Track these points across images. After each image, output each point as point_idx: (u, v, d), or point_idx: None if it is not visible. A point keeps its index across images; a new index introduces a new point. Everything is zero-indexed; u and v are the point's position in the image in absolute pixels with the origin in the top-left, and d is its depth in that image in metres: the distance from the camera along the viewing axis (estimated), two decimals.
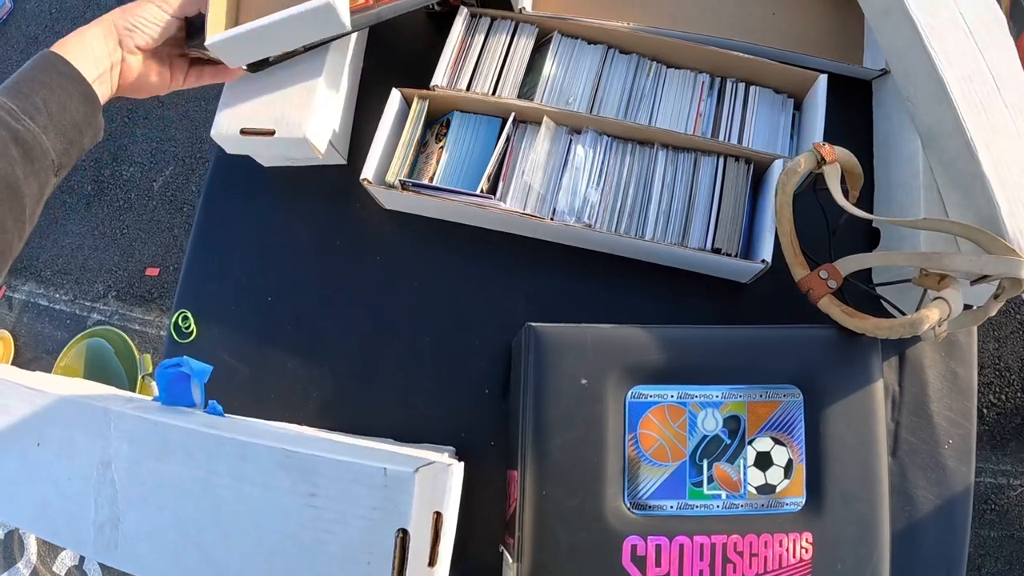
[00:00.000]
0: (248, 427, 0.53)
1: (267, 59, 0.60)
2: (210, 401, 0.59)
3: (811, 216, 0.61)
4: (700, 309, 0.65)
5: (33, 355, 1.37)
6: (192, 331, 0.63)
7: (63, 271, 1.40)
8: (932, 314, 0.55)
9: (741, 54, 0.65)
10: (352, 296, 0.65)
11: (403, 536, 0.43)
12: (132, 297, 1.37)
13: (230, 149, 0.63)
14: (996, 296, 0.60)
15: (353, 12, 0.59)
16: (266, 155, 0.65)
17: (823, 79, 0.65)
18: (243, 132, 0.60)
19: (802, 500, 0.56)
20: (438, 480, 0.50)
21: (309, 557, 0.45)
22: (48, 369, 1.26)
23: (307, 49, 0.61)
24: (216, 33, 0.55)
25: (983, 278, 0.59)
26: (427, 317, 0.65)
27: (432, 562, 0.49)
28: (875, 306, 0.65)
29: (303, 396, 0.63)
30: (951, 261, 0.57)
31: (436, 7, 0.68)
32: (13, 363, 1.34)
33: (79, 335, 1.25)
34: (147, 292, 1.35)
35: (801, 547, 0.55)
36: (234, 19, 0.57)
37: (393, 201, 0.64)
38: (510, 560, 0.56)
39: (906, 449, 0.65)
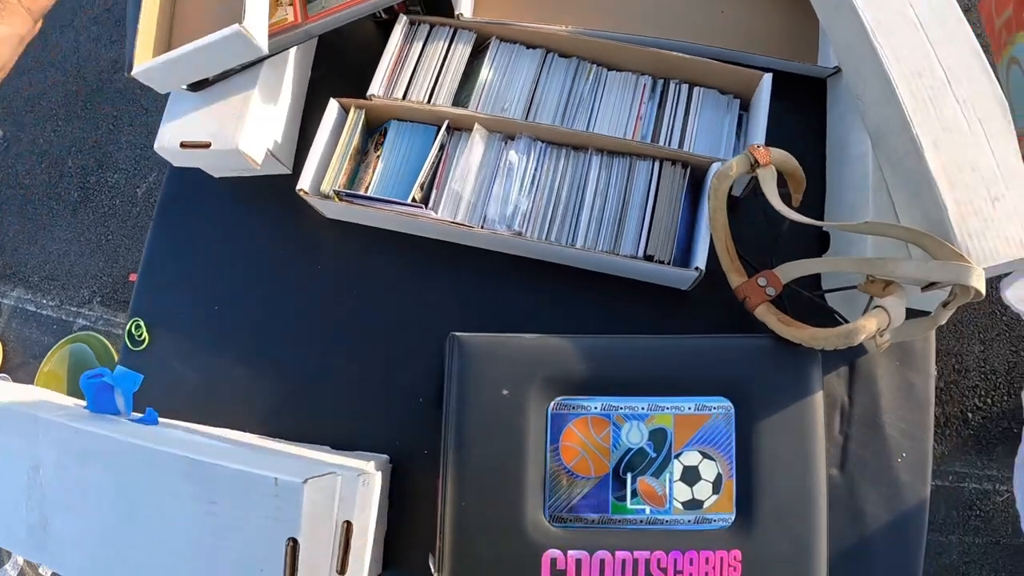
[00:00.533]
0: (164, 435, 0.50)
1: (206, 79, 0.57)
2: (148, 408, 0.56)
3: (760, 221, 0.55)
4: (640, 317, 0.60)
5: (21, 360, 1.38)
6: (144, 339, 0.61)
7: (50, 277, 1.39)
8: (869, 324, 0.48)
9: (683, 55, 0.59)
10: (295, 305, 0.62)
11: (293, 545, 0.40)
12: (116, 303, 1.35)
13: (175, 161, 0.60)
14: (945, 304, 0.53)
15: (279, 32, 0.56)
16: (211, 166, 0.62)
17: (767, 78, 0.59)
18: (182, 145, 0.57)
19: (731, 516, 0.50)
20: (346, 490, 0.46)
21: (210, 563, 0.44)
22: (34, 374, 1.26)
23: (245, 67, 0.58)
24: (142, 61, 0.52)
25: (932, 284, 0.52)
26: (366, 325, 0.61)
27: (342, 570, 0.46)
28: (827, 314, 0.58)
29: (249, 404, 0.60)
30: (896, 267, 0.50)
31: (383, 15, 0.64)
32: (2, 368, 1.34)
33: (62, 340, 1.25)
34: (131, 297, 1.34)
35: (729, 565, 0.49)
36: (165, 45, 0.55)
37: (332, 210, 0.61)
38: (432, 570, 0.52)
39: (855, 463, 0.58)
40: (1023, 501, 0.79)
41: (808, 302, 0.56)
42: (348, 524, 0.47)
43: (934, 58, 0.54)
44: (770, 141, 0.65)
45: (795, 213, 0.53)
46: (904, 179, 0.54)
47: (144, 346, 0.61)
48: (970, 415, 1.05)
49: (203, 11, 0.55)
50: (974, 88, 0.54)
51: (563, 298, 0.60)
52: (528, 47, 0.61)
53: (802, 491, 0.51)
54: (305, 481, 0.41)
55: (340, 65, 0.65)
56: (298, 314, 0.61)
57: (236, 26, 0.50)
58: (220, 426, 0.58)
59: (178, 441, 0.49)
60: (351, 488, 0.47)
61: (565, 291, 0.60)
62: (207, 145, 0.56)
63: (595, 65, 0.61)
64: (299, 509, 0.40)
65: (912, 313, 0.56)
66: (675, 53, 0.59)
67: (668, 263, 0.54)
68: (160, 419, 0.58)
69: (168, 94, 0.59)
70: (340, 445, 0.58)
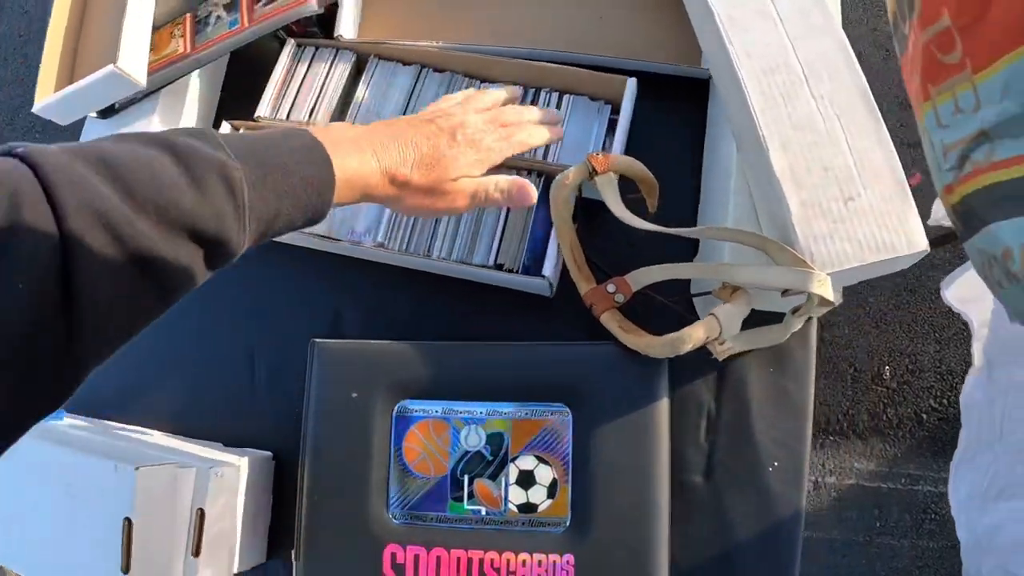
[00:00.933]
0: (50, 430, 0.53)
1: (113, 107, 0.59)
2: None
3: (621, 228, 0.51)
4: (510, 323, 0.57)
5: None
6: None
7: None
8: (696, 332, 0.45)
9: (550, 64, 0.56)
10: (200, 312, 0.63)
11: (128, 524, 0.44)
12: None
13: None
14: (795, 311, 0.48)
15: (170, 63, 0.57)
16: None
17: (631, 82, 0.55)
18: None
19: (566, 521, 0.48)
20: (200, 480, 0.48)
21: (71, 542, 0.47)
22: None
23: (148, 93, 0.59)
24: (43, 98, 0.55)
25: (790, 289, 0.47)
26: (259, 331, 0.61)
27: (196, 553, 0.47)
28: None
29: (157, 402, 0.62)
30: (736, 273, 0.47)
31: (285, 35, 0.64)
32: None
33: None
34: None
35: (562, 569, 0.47)
36: (67, 80, 0.57)
37: None
38: (293, 559, 0.52)
39: (722, 471, 0.54)
40: (957, 506, 0.72)
41: (685, 309, 0.53)
42: (201, 511, 0.48)
43: (791, 53, 0.50)
44: (651, 145, 0.61)
45: (639, 220, 0.49)
46: (757, 181, 0.50)
47: None
48: (924, 416, 0.95)
49: (101, 49, 0.57)
50: (835, 83, 0.49)
51: (441, 305, 0.59)
52: (404, 64, 0.60)
53: (640, 499, 0.48)
54: (137, 468, 0.44)
55: (249, 86, 0.66)
56: (201, 321, 0.63)
57: (111, 66, 0.52)
58: (135, 424, 0.61)
59: (57, 433, 0.52)
60: (203, 479, 0.48)
61: (443, 298, 0.59)
62: None
63: (467, 78, 0.59)
64: (131, 492, 0.44)
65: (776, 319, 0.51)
66: (542, 63, 0.57)
67: (517, 271, 0.52)
68: (74, 418, 0.62)
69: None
70: (232, 443, 0.59)
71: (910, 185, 0.45)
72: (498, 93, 0.50)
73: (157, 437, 0.58)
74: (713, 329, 0.45)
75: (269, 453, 0.58)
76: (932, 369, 0.98)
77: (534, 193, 0.46)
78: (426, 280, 0.59)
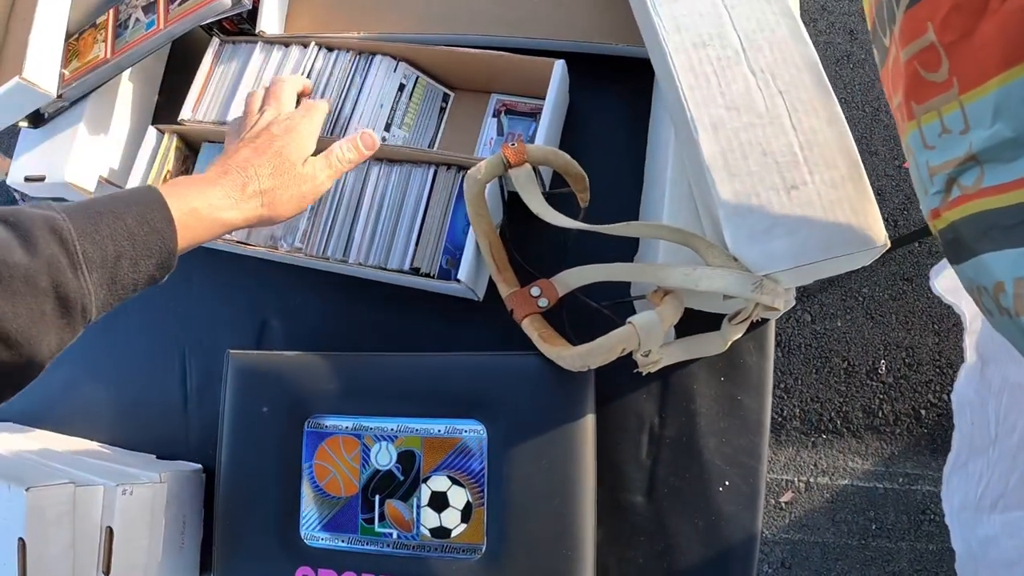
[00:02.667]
0: None
1: (41, 116, 0.56)
2: None
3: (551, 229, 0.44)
4: (442, 331, 0.51)
5: None
6: None
7: None
8: (609, 343, 0.38)
9: (473, 50, 0.49)
10: (134, 323, 0.59)
11: (22, 544, 0.41)
12: None
13: (32, 193, 0.59)
14: (732, 319, 0.40)
15: (92, 69, 0.53)
16: (64, 195, 0.61)
17: (559, 65, 0.48)
18: (26, 179, 0.56)
19: (482, 547, 0.42)
20: (108, 498, 0.44)
21: None
22: None
23: (75, 101, 0.55)
24: None
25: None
26: (191, 342, 0.57)
27: (106, 571, 0.45)
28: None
29: (94, 414, 0.59)
30: (666, 275, 0.39)
31: (218, 35, 0.59)
32: None
33: None
34: None
35: None
36: None
37: None
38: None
39: (665, 491, 0.47)
40: (951, 516, 0.62)
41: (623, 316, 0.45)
42: (110, 530, 0.45)
43: (728, 24, 0.41)
44: (595, 138, 0.53)
45: (560, 216, 0.42)
46: (692, 170, 0.42)
47: None
48: (923, 412, 0.84)
49: (17, 60, 0.53)
50: (778, 55, 0.40)
51: (369, 313, 0.53)
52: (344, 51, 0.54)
53: (562, 524, 0.41)
54: (28, 489, 0.41)
55: (185, 88, 0.61)
56: (139, 332, 0.59)
57: (16, 78, 0.48)
58: (74, 434, 0.58)
59: None
60: (111, 497, 0.45)
61: (371, 306, 0.53)
62: (43, 178, 0.55)
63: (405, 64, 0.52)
64: (23, 512, 0.41)
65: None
66: (470, 49, 0.50)
67: (433, 275, 0.46)
68: (7, 425, 0.59)
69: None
70: (166, 454, 0.56)
71: (905, 167, 0.38)
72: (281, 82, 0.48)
73: (91, 447, 0.55)
74: (630, 340, 0.37)
75: (198, 466, 0.54)
76: (931, 362, 0.86)
77: (374, 134, 0.46)
78: (356, 287, 0.53)
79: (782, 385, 0.90)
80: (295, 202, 0.43)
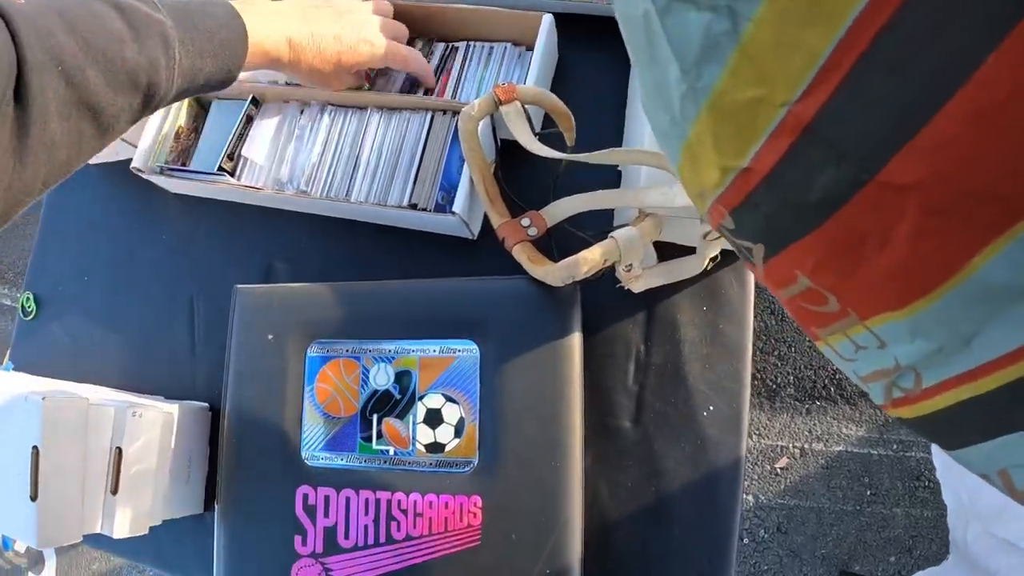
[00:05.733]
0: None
1: None
2: (8, 363, 0.61)
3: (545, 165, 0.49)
4: (434, 270, 0.56)
5: None
6: (33, 311, 0.66)
7: (23, 273, 1.48)
8: (591, 255, 0.43)
9: (464, 6, 0.55)
10: (148, 274, 0.64)
11: (36, 451, 0.44)
12: None
13: None
14: (705, 236, 0.45)
15: None
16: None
17: (547, 18, 0.53)
18: None
19: (474, 462, 0.46)
20: (118, 420, 0.48)
21: None
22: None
23: None
24: None
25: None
26: (198, 287, 0.62)
27: (114, 490, 0.48)
28: None
29: (103, 362, 0.63)
30: (644, 196, 0.44)
31: None
32: None
33: None
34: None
35: (469, 511, 0.45)
36: None
37: (170, 185, 0.63)
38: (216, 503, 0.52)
39: (652, 416, 0.51)
40: (941, 468, 0.66)
41: None
42: (119, 450, 0.48)
43: None
44: (579, 86, 0.59)
45: (546, 148, 0.47)
46: None
47: (33, 316, 0.66)
48: None
49: None
50: None
51: (369, 253, 0.58)
52: None
53: (551, 439, 0.45)
54: (44, 398, 0.44)
55: None
56: (151, 281, 0.64)
57: None
58: (88, 382, 0.62)
59: None
60: (121, 419, 0.49)
61: (369, 246, 0.58)
62: None
63: None
64: (39, 420, 0.44)
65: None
66: (456, 6, 0.55)
67: (429, 210, 0.51)
68: (29, 374, 0.63)
69: None
70: (175, 398, 0.60)
71: None
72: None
73: (101, 391, 0.59)
74: (611, 252, 0.42)
75: (205, 404, 0.59)
76: None
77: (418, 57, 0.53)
78: (354, 230, 0.58)
79: (776, 352, 0.94)
80: (332, 66, 0.49)
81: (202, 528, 0.57)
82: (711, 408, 0.51)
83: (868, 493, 0.88)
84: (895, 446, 0.90)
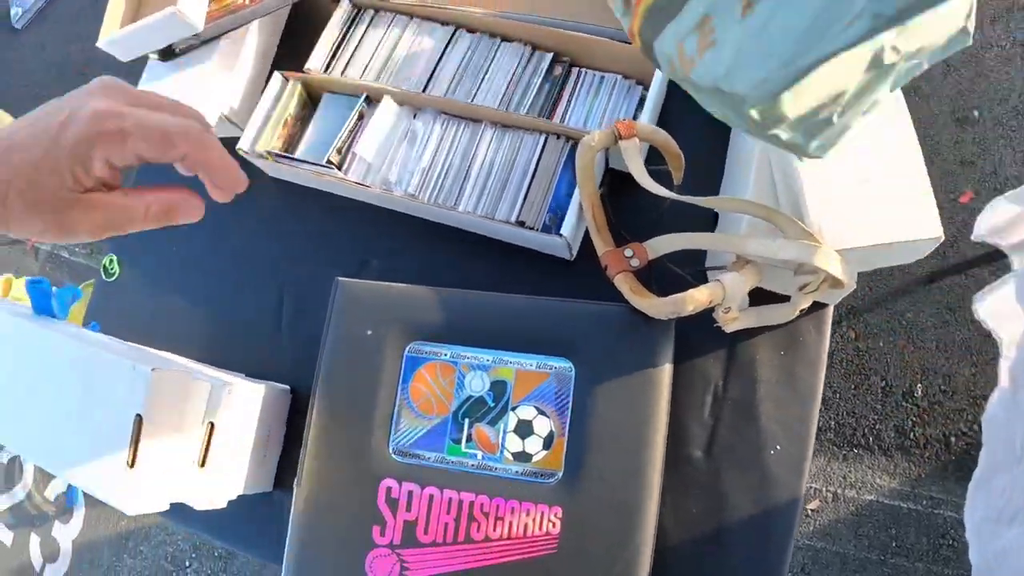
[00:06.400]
0: (75, 333, 0.55)
1: (173, 51, 0.64)
2: (93, 323, 0.64)
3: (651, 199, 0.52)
4: (526, 285, 0.59)
5: None
6: (116, 272, 0.69)
7: None
8: (699, 295, 0.46)
9: (586, 35, 0.58)
10: (239, 251, 0.67)
11: (139, 420, 0.45)
12: None
13: None
14: (802, 288, 0.48)
15: (230, 12, 0.62)
16: None
17: None
18: None
19: (559, 474, 0.49)
20: (213, 396, 0.51)
21: (82, 433, 0.47)
22: None
23: (206, 41, 0.65)
24: (107, 34, 0.60)
25: (801, 266, 0.48)
26: (289, 274, 0.65)
27: (202, 463, 0.50)
28: None
29: (186, 333, 0.66)
30: (744, 244, 0.47)
31: None
32: None
33: (86, 283, 1.39)
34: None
35: (549, 520, 0.48)
36: (132, 18, 0.62)
37: (271, 169, 0.66)
38: (295, 485, 0.55)
39: (723, 447, 0.54)
40: (971, 529, 0.69)
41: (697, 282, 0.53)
42: (212, 425, 0.51)
43: None
44: (683, 123, 0.62)
45: (657, 185, 0.50)
46: (774, 156, 0.50)
47: (115, 278, 0.69)
48: (953, 440, 0.91)
49: None
50: None
51: (465, 262, 0.61)
52: (443, 24, 0.63)
53: (633, 461, 0.48)
54: (153, 369, 0.46)
55: (304, 42, 0.70)
56: (239, 259, 0.67)
57: (171, 8, 0.57)
58: (165, 350, 0.65)
59: (82, 335, 0.55)
60: (217, 395, 0.51)
61: (468, 256, 0.61)
62: None
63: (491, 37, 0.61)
64: (146, 391, 0.45)
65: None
66: (579, 34, 0.59)
67: (537, 229, 0.54)
68: (108, 336, 0.66)
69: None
70: (254, 376, 0.63)
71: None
72: None
73: (182, 360, 0.62)
74: (717, 294, 0.45)
75: (287, 386, 0.62)
76: (965, 392, 0.93)
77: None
78: (452, 237, 0.61)
79: (821, 397, 0.98)
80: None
81: (267, 506, 0.60)
82: (778, 447, 0.54)
83: (893, 544, 0.91)
84: (924, 502, 0.93)
